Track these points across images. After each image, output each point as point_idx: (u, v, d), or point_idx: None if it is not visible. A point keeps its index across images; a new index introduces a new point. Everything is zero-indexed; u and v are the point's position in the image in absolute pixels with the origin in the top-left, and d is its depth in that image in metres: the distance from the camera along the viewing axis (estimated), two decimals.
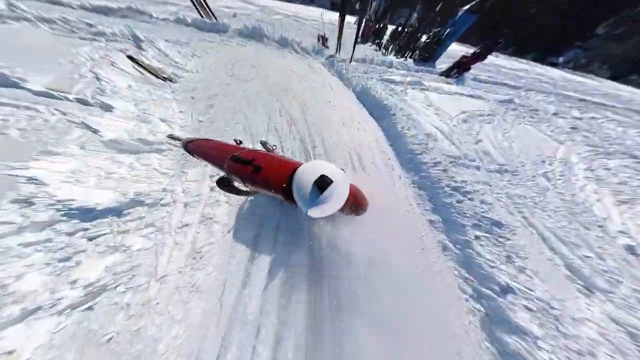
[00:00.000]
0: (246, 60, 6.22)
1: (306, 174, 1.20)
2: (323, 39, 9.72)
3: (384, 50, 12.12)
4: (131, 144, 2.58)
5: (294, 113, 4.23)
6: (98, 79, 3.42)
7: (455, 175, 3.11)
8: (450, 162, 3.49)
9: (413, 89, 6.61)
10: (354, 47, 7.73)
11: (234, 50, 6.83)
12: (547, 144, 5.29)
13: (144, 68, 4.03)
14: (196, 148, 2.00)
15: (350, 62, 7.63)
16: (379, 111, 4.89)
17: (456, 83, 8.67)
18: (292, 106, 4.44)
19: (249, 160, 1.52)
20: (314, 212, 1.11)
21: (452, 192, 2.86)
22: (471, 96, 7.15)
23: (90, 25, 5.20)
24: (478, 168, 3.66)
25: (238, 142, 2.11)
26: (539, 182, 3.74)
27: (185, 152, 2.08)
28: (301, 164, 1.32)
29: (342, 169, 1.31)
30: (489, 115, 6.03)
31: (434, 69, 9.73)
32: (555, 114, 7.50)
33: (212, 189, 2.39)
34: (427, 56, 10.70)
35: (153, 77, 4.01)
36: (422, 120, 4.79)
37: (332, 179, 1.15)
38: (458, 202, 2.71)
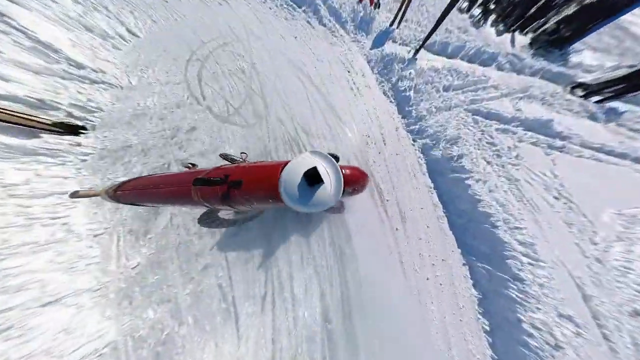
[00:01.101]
0: (229, 43, 3.06)
1: (294, 173, 0.97)
2: None
3: (478, 16, 5.74)
4: None
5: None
6: None
7: None
8: None
9: (530, 143, 3.18)
10: (441, 19, 3.22)
11: (207, 14, 3.35)
12: None
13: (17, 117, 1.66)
14: (133, 193, 1.35)
15: (416, 53, 3.64)
16: (471, 231, 2.33)
17: (605, 116, 4.05)
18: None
19: (220, 178, 1.11)
20: (312, 208, 0.95)
21: None
22: None
23: None
24: None
25: (190, 165, 1.58)
26: None
27: (116, 202, 1.40)
28: (288, 162, 1.07)
29: (332, 154, 1.10)
30: None
31: (565, 70, 4.71)
32: None
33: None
34: (564, 38, 4.90)
35: (39, 131, 1.74)
36: (542, 251, 2.16)
37: (323, 170, 0.95)
38: None
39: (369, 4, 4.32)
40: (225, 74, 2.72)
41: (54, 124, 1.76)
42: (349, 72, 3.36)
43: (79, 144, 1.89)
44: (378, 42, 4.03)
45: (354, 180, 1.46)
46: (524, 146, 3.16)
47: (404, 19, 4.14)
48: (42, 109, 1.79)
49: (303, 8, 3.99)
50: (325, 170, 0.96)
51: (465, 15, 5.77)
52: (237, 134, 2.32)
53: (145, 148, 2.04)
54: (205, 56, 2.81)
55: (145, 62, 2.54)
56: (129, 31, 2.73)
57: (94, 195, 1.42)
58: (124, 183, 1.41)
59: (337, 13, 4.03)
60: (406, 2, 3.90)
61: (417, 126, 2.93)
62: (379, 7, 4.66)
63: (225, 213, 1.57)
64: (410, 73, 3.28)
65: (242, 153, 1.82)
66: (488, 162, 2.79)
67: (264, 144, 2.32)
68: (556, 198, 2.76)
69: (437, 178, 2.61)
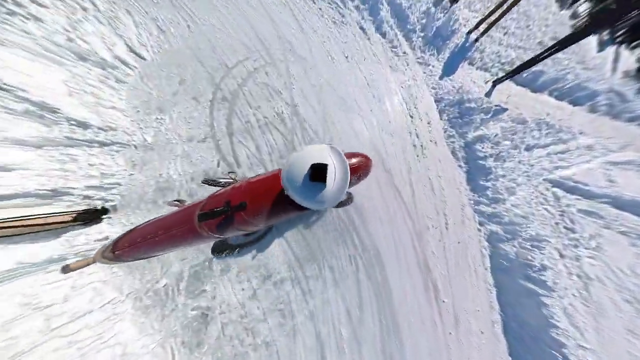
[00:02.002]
0: (261, 68, 2.09)
1: (297, 170, 0.86)
2: None
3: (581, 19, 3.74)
4: None
5: None
6: None
7: None
8: None
9: (619, 232, 2.39)
10: (557, 48, 2.04)
11: (229, 13, 2.15)
12: None
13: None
14: (133, 248, 1.19)
15: (498, 83, 2.51)
16: (529, 346, 1.94)
17: None
18: None
19: (222, 206, 0.99)
20: (325, 203, 0.84)
21: None
22: None
23: None
24: None
25: (178, 202, 1.41)
26: None
27: (118, 263, 1.26)
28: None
29: (329, 144, 0.96)
30: None
31: None
32: None
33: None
34: None
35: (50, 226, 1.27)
36: None
37: (326, 162, 0.84)
38: None
39: None
40: (260, 125, 1.98)
41: (76, 219, 1.33)
42: (412, 117, 2.48)
43: (106, 238, 1.45)
44: (451, 63, 2.90)
45: (360, 170, 1.40)
46: (609, 235, 2.49)
47: (492, 28, 2.75)
48: (56, 198, 1.34)
49: (356, 3, 2.72)
50: (333, 171, 0.88)
51: (566, 12, 3.93)
52: (283, 223, 1.76)
53: None
54: (234, 92, 2.00)
55: (159, 104, 1.82)
56: (132, 50, 1.89)
57: (89, 263, 1.18)
58: (118, 240, 1.23)
59: (403, 15, 2.72)
60: (507, 6, 2.54)
61: (490, 209, 2.27)
62: (456, 1, 3.12)
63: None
64: (494, 134, 2.28)
65: (230, 172, 1.52)
66: (561, 255, 2.26)
67: (314, 235, 1.79)
68: (628, 301, 2.32)
69: (500, 276, 2.15)
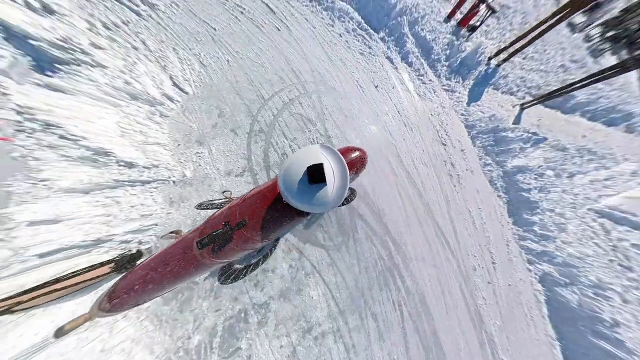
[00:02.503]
0: (296, 100, 2.09)
1: (297, 164, 0.80)
2: (473, 11, 2.88)
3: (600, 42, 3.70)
4: None
5: None
6: None
7: None
8: None
9: None
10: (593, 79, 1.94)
11: (264, 47, 2.26)
12: None
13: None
14: (132, 292, 1.02)
15: (526, 107, 2.37)
16: None
17: None
18: None
19: (221, 229, 0.90)
20: (329, 204, 0.78)
21: None
22: None
23: None
24: None
25: (174, 234, 1.27)
26: None
27: (118, 313, 1.05)
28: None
29: (320, 143, 0.90)
30: None
31: None
32: None
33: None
34: None
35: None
36: None
37: (321, 162, 0.79)
38: None
39: (464, 24, 2.89)
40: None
41: (114, 268, 1.20)
42: (444, 145, 2.36)
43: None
44: (477, 89, 2.85)
45: (357, 164, 1.30)
46: None
47: (514, 56, 2.74)
48: (97, 246, 1.27)
49: (381, 35, 2.79)
50: (331, 171, 0.80)
51: (578, 35, 3.74)
52: (322, 262, 1.62)
53: (214, 287, 1.44)
54: (270, 125, 1.97)
55: (198, 137, 1.79)
56: (176, 85, 1.92)
57: (85, 321, 1.01)
58: (113, 288, 1.08)
59: (428, 47, 2.77)
60: (531, 37, 2.48)
61: (539, 246, 2.02)
62: (474, 30, 3.19)
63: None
64: (537, 165, 2.02)
65: (224, 192, 1.37)
66: (625, 301, 1.91)
67: (354, 275, 1.64)
68: None
69: (564, 328, 1.84)
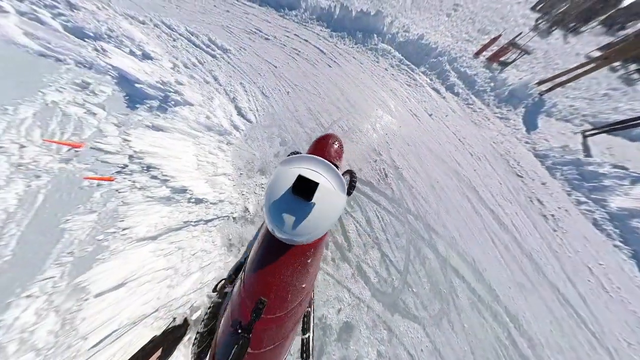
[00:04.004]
0: (354, 129, 1.90)
1: (278, 187, 0.59)
2: (503, 49, 2.96)
3: None
4: None
5: None
6: None
7: None
8: None
9: None
10: None
11: (319, 80, 2.29)
12: None
13: None
14: None
15: (589, 136, 1.94)
16: None
17: None
18: None
19: (240, 322, 0.56)
20: (294, 235, 0.54)
21: None
22: None
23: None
24: None
25: (196, 347, 0.84)
26: None
27: None
28: None
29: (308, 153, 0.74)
30: None
31: None
32: None
33: None
34: None
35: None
36: None
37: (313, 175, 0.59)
38: None
39: (489, 60, 2.86)
40: (364, 200, 1.53)
41: (166, 350, 0.87)
42: (521, 177, 1.94)
43: None
44: (530, 117, 2.55)
45: (341, 151, 1.01)
46: None
47: (558, 86, 2.61)
48: (152, 315, 0.97)
49: (422, 69, 2.78)
50: (323, 178, 0.56)
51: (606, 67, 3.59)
52: (421, 347, 1.08)
53: None
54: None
55: (261, 166, 1.59)
56: (241, 115, 1.86)
57: None
58: None
59: (470, 80, 2.69)
60: (578, 73, 2.35)
61: None
62: (506, 65, 3.18)
63: None
64: None
65: (221, 280, 0.88)
66: None
67: None
68: None
69: None
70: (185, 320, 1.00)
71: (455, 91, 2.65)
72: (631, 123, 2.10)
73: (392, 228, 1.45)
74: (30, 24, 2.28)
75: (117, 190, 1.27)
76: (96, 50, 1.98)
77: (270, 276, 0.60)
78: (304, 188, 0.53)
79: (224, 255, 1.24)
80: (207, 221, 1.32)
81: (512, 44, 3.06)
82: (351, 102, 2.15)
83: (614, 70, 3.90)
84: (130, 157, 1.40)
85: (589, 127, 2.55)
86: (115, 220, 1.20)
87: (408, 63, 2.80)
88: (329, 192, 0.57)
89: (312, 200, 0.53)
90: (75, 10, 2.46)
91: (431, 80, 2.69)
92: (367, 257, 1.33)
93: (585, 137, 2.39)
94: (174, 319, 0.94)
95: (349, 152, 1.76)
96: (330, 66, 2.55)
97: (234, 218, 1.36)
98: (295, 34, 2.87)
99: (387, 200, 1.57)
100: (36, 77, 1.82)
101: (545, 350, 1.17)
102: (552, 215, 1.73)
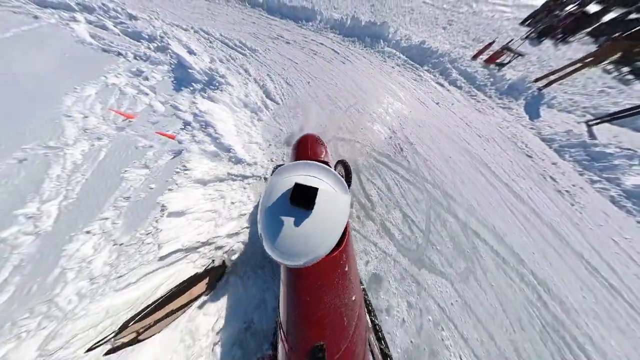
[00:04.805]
0: (364, 111, 2.04)
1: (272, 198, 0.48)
2: (498, 53, 3.09)
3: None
4: None
5: None
6: None
7: None
8: None
9: None
10: None
11: (334, 74, 2.53)
12: None
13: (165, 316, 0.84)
14: None
15: (594, 125, 1.92)
16: None
17: None
18: None
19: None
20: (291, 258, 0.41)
21: None
22: None
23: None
24: None
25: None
26: None
27: None
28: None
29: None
30: None
31: None
32: None
33: None
34: None
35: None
36: None
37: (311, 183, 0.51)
38: None
39: (486, 62, 3.02)
40: (383, 169, 1.60)
41: (208, 284, 0.94)
42: (530, 157, 1.95)
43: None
44: (532, 108, 2.61)
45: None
46: None
47: (554, 82, 2.70)
48: (195, 250, 1.08)
49: (426, 68, 2.99)
50: (318, 181, 0.47)
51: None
52: (451, 302, 1.03)
53: None
54: (352, 130, 1.81)
55: (287, 139, 1.74)
56: (270, 98, 2.15)
57: None
58: None
59: (471, 77, 2.84)
60: (572, 69, 2.43)
61: None
62: (502, 66, 3.30)
63: None
64: None
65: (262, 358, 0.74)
66: None
67: (505, 332, 0.97)
68: None
69: None
70: (224, 262, 1.04)
71: (458, 85, 2.79)
72: (636, 110, 2.05)
73: (411, 194, 1.49)
74: (96, 29, 3.02)
75: (179, 142, 1.60)
76: (162, 41, 2.65)
77: (313, 313, 0.46)
78: (303, 198, 0.45)
79: (257, 209, 1.29)
80: (244, 177, 1.51)
81: (506, 48, 3.25)
82: (364, 91, 2.34)
83: (608, 72, 3.96)
84: (195, 115, 1.80)
85: (592, 117, 2.51)
86: (177, 165, 1.40)
87: (412, 63, 3.04)
88: (331, 195, 0.49)
89: (315, 208, 0.44)
90: (134, 20, 3.20)
91: (435, 76, 2.88)
92: (389, 216, 1.36)
93: (589, 126, 2.37)
94: (213, 260, 1.00)
95: (366, 128, 1.87)
96: (344, 63, 2.83)
97: (264, 178, 1.50)
98: (312, 39, 3.25)
99: (404, 169, 1.62)
100: (100, 66, 2.36)
101: (582, 316, 1.08)
102: (567, 192, 1.70)
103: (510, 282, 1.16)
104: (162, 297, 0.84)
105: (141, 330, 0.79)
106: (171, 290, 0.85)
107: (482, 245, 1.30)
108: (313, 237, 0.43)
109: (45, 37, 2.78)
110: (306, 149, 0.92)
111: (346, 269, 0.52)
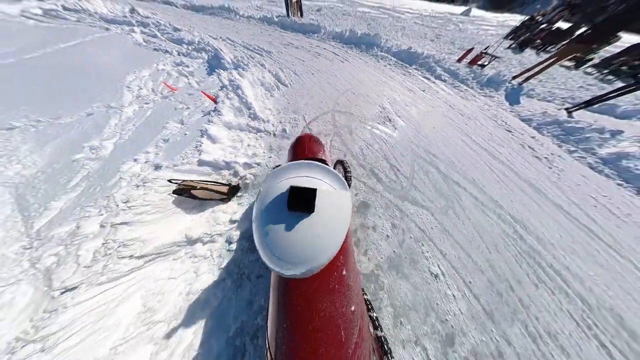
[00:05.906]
0: (359, 95, 2.33)
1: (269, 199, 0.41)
2: (478, 56, 3.38)
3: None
4: None
5: None
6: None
7: None
8: None
9: None
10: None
11: (336, 68, 2.98)
12: None
13: (194, 195, 1.20)
14: None
15: (573, 111, 2.01)
16: None
17: None
18: None
19: None
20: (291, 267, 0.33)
21: None
22: None
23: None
24: None
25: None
26: None
27: None
28: None
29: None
30: None
31: None
32: None
33: None
34: None
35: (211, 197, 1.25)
36: None
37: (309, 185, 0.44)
38: None
39: (469, 64, 3.31)
40: (372, 131, 1.82)
41: (227, 192, 1.33)
42: (510, 132, 2.07)
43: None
44: (512, 97, 2.78)
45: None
46: None
47: (531, 78, 2.91)
48: (218, 170, 1.54)
49: (414, 66, 3.35)
50: (317, 181, 0.40)
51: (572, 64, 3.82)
52: (431, 226, 1.10)
53: None
54: (347, 105, 2.15)
55: (294, 109, 2.12)
56: (281, 83, 2.60)
57: None
58: None
59: (454, 73, 3.16)
60: (546, 64, 2.66)
61: None
62: (483, 67, 3.55)
63: None
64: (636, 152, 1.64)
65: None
66: None
67: (481, 253, 1.01)
68: None
69: None
70: (238, 184, 1.48)
71: (443, 79, 3.09)
72: (614, 94, 2.05)
73: (396, 150, 1.66)
74: (149, 37, 4.17)
75: (215, 101, 2.13)
76: (199, 44, 3.57)
77: (312, 331, 0.36)
78: (301, 199, 0.39)
79: (266, 153, 1.71)
80: (258, 130, 1.96)
81: (484, 53, 3.65)
82: (359, 80, 2.74)
83: (589, 74, 4.09)
84: (231, 81, 2.45)
85: (570, 106, 2.57)
86: (217, 110, 1.90)
87: (402, 63, 3.46)
88: (330, 194, 0.43)
89: (315, 211, 0.39)
90: (177, 31, 4.33)
91: (422, 72, 3.23)
92: (377, 164, 1.53)
93: (569, 112, 2.43)
94: (230, 183, 1.44)
95: (360, 105, 2.18)
96: (342, 62, 3.30)
97: (274, 134, 1.85)
98: (316, 45, 3.89)
99: (391, 131, 1.85)
100: (152, 59, 3.21)
101: (558, 250, 1.11)
102: (546, 158, 1.78)
103: (487, 218, 1.23)
104: (206, 181, 1.33)
105: (195, 189, 1.21)
106: (212, 181, 1.34)
107: (462, 191, 1.40)
108: (318, 240, 0.36)
109: (113, 41, 4.00)
110: (303, 148, 0.82)
111: (343, 272, 0.43)
